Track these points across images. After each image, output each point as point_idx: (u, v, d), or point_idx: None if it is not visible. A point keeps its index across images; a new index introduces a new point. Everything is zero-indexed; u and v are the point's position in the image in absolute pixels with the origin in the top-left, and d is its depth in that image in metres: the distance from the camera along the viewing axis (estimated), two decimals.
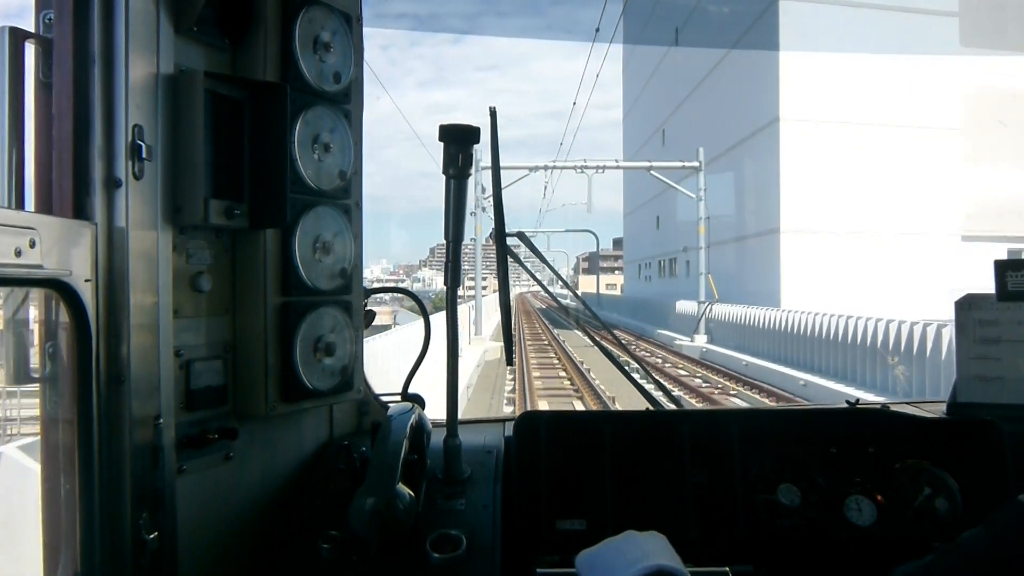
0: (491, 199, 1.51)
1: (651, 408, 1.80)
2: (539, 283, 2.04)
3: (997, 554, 0.84)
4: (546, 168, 24.01)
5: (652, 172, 24.34)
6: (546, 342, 27.85)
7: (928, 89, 21.49)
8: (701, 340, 22.07)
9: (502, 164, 1.68)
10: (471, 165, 1.51)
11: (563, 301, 2.30)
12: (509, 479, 1.55)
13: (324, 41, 1.48)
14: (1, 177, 1.11)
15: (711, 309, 22.34)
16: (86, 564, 1.09)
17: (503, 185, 1.66)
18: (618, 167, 25.56)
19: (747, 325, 18.79)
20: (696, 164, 23.40)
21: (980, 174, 21.16)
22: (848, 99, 21.87)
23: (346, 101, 1.54)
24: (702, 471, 1.54)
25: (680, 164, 23.69)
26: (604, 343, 2.02)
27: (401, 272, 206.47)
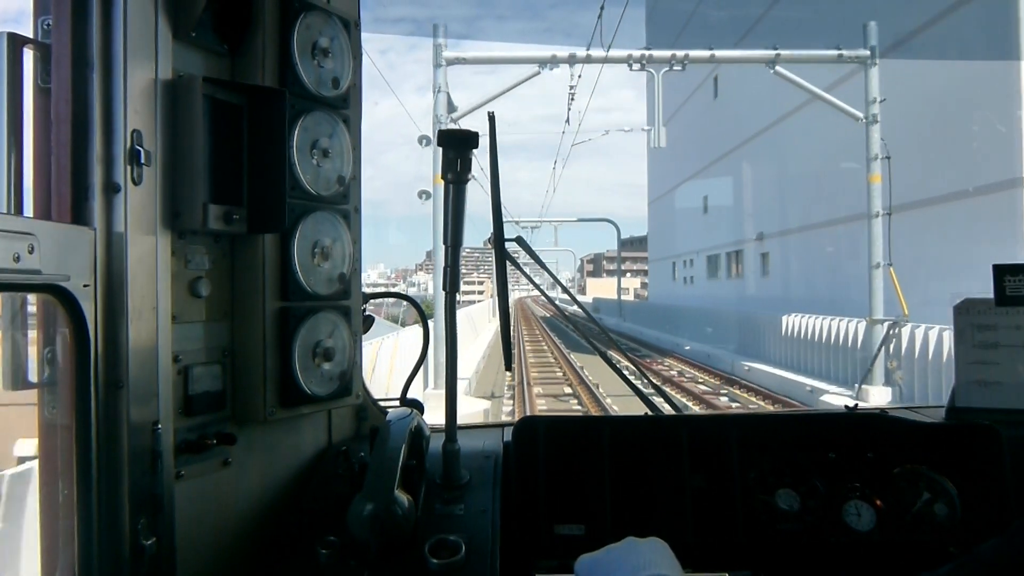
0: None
1: (650, 413, 1.80)
2: (539, 290, 2.04)
3: (1018, 567, 0.82)
4: (572, 62, 12.92)
5: (775, 69, 12.08)
6: (568, 390, 16.34)
7: None
8: (881, 396, 11.65)
9: (501, 167, 1.65)
10: (470, 170, 1.52)
11: (570, 308, 2.27)
12: (508, 484, 1.55)
13: (322, 46, 1.48)
14: (0, 182, 1.11)
15: (897, 335, 11.58)
16: (84, 569, 1.09)
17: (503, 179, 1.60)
18: (710, 57, 12.38)
19: None
20: (863, 53, 11.92)
21: None
22: None
23: (344, 106, 1.55)
24: (701, 476, 1.54)
25: (835, 52, 11.93)
26: (602, 347, 2.02)
27: (396, 277, 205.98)
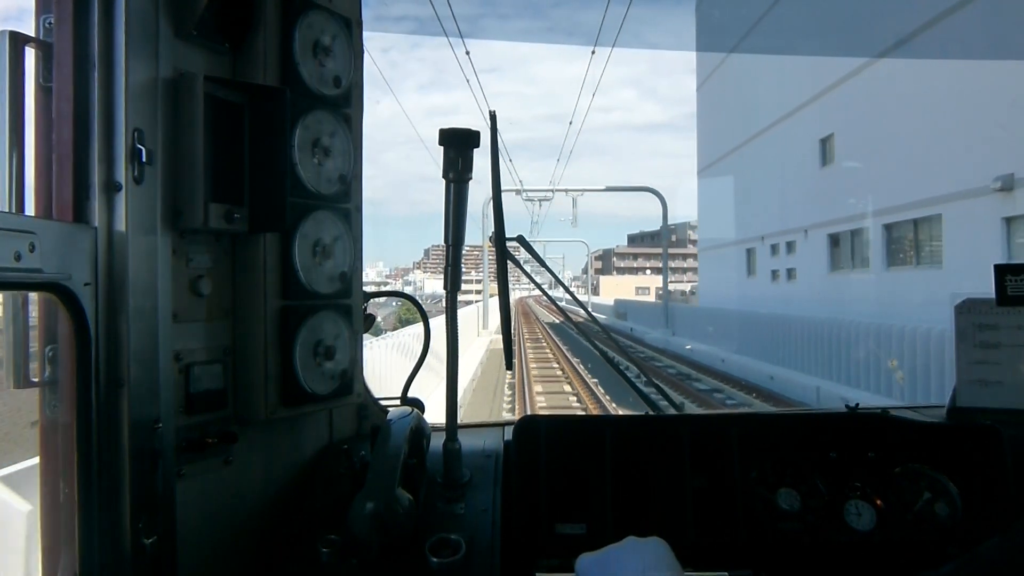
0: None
1: (651, 412, 1.80)
2: (541, 289, 2.03)
3: (1017, 566, 0.82)
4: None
5: None
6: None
7: None
8: None
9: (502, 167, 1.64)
10: (471, 169, 1.51)
11: (581, 313, 2.20)
12: (509, 483, 1.55)
13: (324, 45, 1.48)
14: (1, 181, 1.11)
15: None
16: (85, 567, 1.09)
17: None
18: None
19: None
20: None
21: None
22: None
23: (346, 105, 1.54)
24: (702, 475, 1.54)
25: None
26: (602, 346, 2.02)
27: (395, 275, 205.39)
